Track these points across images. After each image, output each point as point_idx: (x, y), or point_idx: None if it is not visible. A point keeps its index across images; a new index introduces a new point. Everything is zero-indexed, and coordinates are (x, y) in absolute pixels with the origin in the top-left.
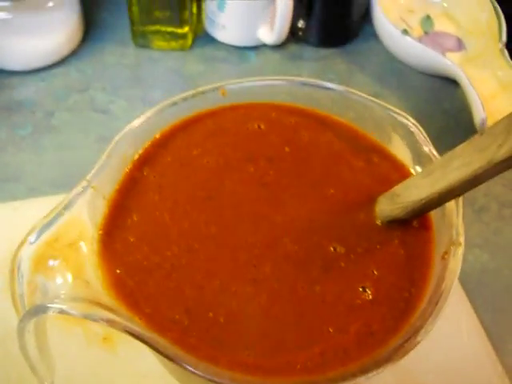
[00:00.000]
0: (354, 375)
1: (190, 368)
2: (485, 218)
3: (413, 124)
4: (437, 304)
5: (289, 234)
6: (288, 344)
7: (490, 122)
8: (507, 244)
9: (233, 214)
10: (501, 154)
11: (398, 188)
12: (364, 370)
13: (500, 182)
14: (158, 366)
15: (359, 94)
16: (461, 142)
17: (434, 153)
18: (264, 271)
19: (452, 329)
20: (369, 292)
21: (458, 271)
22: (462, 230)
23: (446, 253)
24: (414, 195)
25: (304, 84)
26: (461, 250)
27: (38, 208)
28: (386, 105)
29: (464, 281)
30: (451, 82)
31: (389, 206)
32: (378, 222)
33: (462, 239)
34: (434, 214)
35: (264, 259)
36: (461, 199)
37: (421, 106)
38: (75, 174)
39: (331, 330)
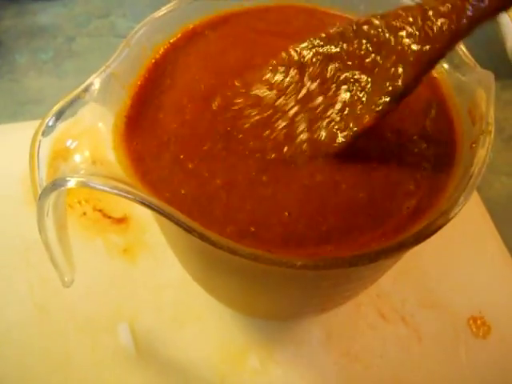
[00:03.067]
0: (378, 254)
1: (211, 241)
2: None
3: None
4: (464, 189)
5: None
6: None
7: None
8: None
9: (258, 108)
10: None
11: None
12: (388, 250)
13: None
14: (178, 278)
15: None
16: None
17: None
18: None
19: (477, 252)
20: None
21: (487, 157)
22: (492, 120)
23: (474, 142)
24: None
25: None
26: (490, 138)
27: None
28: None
29: (490, 207)
30: None
31: None
32: None
33: (491, 128)
34: (462, 104)
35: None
36: (493, 91)
37: None
38: None
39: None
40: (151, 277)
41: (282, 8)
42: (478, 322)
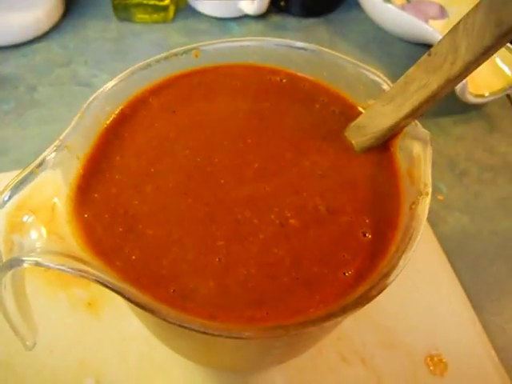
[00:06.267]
0: (322, 320)
1: (161, 315)
2: (465, 182)
3: (384, 81)
4: (404, 252)
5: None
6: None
7: (471, 89)
8: (486, 207)
9: (214, 173)
10: (455, 70)
11: (361, 120)
12: (331, 315)
13: (481, 147)
14: (142, 330)
15: (331, 52)
16: (442, 110)
17: None
18: (252, 235)
19: (433, 289)
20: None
21: (425, 219)
22: (429, 181)
23: (413, 203)
24: (382, 123)
25: (277, 44)
26: (427, 200)
27: None
28: (357, 62)
29: (444, 243)
30: None
31: (359, 137)
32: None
33: (429, 189)
34: (401, 164)
35: (253, 225)
36: (430, 151)
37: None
38: None
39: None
40: (116, 330)
41: (220, 68)
42: (435, 359)
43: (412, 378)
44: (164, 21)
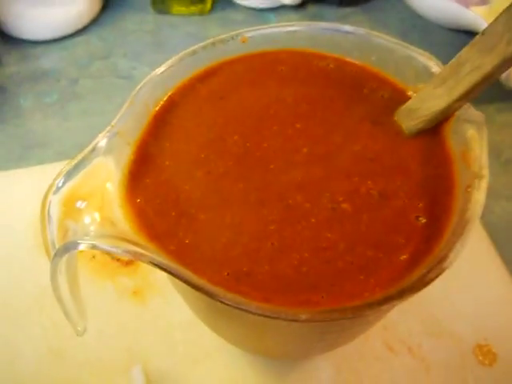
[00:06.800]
0: (379, 303)
1: (219, 297)
2: (511, 170)
3: (435, 64)
4: (461, 235)
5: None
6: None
7: None
8: None
9: (263, 158)
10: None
11: (412, 103)
12: (388, 299)
13: None
14: (188, 317)
15: (381, 35)
16: (485, 97)
17: None
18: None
19: (480, 279)
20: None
21: (483, 202)
22: (485, 163)
23: (469, 186)
24: (434, 106)
25: (324, 29)
26: (484, 182)
27: None
28: (408, 45)
29: (492, 232)
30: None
31: (410, 121)
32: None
33: (485, 172)
34: (454, 147)
35: (302, 209)
36: (485, 133)
37: (445, 62)
38: None
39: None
40: (162, 317)
41: (266, 54)
42: (484, 349)
43: (460, 368)
44: (201, 13)
